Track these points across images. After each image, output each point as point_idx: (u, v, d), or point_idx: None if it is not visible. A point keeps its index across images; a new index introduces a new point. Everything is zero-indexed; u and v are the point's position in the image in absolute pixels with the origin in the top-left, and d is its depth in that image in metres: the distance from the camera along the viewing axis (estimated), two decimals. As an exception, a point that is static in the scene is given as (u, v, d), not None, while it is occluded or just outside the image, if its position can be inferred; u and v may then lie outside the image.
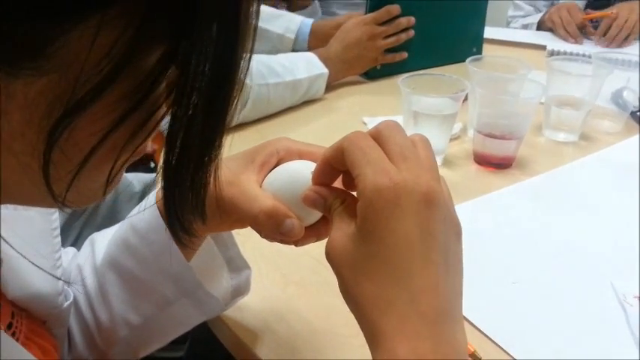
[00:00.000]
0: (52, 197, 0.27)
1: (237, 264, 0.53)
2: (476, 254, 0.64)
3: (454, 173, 0.83)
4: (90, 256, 0.52)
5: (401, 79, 0.81)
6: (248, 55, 0.28)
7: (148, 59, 0.25)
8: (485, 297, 0.58)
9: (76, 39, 0.22)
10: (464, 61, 0.93)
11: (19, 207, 0.41)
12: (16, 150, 0.25)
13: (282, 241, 0.43)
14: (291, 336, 0.54)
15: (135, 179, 1.13)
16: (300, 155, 0.43)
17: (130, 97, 0.25)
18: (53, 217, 0.46)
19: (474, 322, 0.54)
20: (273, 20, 1.19)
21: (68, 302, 0.47)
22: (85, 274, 0.51)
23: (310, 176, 0.40)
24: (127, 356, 0.52)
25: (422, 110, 0.79)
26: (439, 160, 0.84)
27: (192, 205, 0.30)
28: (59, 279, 0.45)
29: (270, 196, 0.41)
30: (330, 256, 0.35)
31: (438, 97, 0.80)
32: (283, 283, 0.61)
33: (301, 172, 0.41)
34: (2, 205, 0.40)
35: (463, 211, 0.72)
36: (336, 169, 0.38)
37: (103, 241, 0.52)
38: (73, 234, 0.93)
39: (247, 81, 0.92)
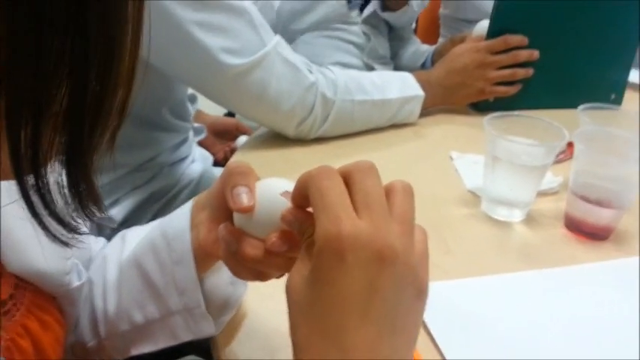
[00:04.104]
0: None
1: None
2: (522, 332, 0.55)
3: (535, 234, 0.72)
4: (118, 249, 0.54)
5: (488, 117, 0.72)
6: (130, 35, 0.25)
7: None
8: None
9: None
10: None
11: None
12: None
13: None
14: None
15: (219, 172, 1.15)
16: None
17: None
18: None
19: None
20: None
21: (79, 282, 0.50)
22: (108, 265, 0.54)
23: (276, 189, 0.39)
24: (119, 351, 0.54)
25: (504, 156, 0.69)
26: (520, 216, 0.74)
27: (72, 198, 0.27)
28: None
29: None
30: (286, 290, 0.35)
31: (526, 145, 0.70)
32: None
33: (275, 184, 0.40)
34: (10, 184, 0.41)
35: (525, 279, 0.63)
36: None
37: (133, 238, 0.54)
38: (147, 217, 0.97)
39: (330, 95, 0.88)
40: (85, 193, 0.27)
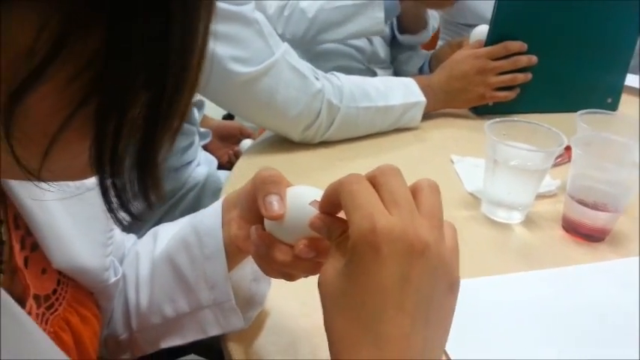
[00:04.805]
0: (27, 174, 0.27)
1: (260, 274, 0.54)
2: (523, 330, 0.57)
3: (533, 235, 0.74)
4: (150, 246, 0.56)
5: (489, 123, 0.75)
6: (198, 42, 0.27)
7: (90, 39, 0.24)
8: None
9: (8, 22, 0.22)
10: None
11: (74, 184, 0.45)
12: None
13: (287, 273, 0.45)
14: None
15: (223, 176, 1.17)
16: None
17: (79, 79, 0.25)
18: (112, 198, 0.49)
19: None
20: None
21: (116, 278, 0.52)
22: (140, 261, 0.56)
23: (306, 198, 0.41)
24: (151, 343, 0.56)
25: (504, 161, 0.72)
26: (519, 218, 0.76)
27: (139, 190, 0.30)
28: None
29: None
30: (319, 285, 0.37)
31: (526, 150, 0.72)
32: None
33: (305, 193, 0.42)
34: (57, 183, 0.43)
35: (524, 280, 0.66)
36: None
37: (164, 234, 0.56)
38: (154, 219, 0.99)
39: (336, 101, 0.90)
40: (152, 187, 0.30)
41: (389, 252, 0.33)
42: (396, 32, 1.38)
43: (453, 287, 0.36)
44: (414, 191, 0.37)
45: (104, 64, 0.24)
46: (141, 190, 0.29)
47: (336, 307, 0.35)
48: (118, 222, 0.31)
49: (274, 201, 0.42)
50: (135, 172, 0.28)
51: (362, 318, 0.34)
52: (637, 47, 1.14)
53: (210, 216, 0.51)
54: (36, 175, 0.27)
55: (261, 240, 0.43)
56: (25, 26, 0.23)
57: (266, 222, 0.43)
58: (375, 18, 1.16)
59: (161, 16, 0.24)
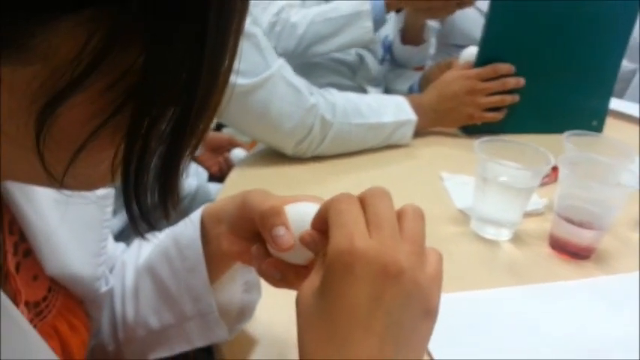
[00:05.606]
0: (51, 180, 0.28)
1: (251, 285, 0.55)
2: (509, 342, 0.58)
3: (521, 253, 0.76)
4: (135, 256, 0.56)
5: (479, 142, 0.76)
6: (227, 61, 0.28)
7: (127, 53, 0.25)
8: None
9: (54, 34, 0.23)
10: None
11: (74, 193, 0.45)
12: (9, 132, 0.26)
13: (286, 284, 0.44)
14: None
15: (214, 188, 1.17)
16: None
17: (113, 90, 0.25)
18: (108, 209, 0.50)
19: None
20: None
21: (107, 288, 0.52)
22: (126, 271, 0.56)
23: (308, 218, 0.41)
24: (138, 355, 0.55)
25: (493, 178, 0.73)
26: (507, 235, 0.77)
27: (159, 200, 0.30)
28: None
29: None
30: (296, 302, 0.37)
31: (514, 169, 0.74)
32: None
33: (306, 212, 0.42)
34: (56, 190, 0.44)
35: (512, 294, 0.67)
36: None
37: (149, 244, 0.56)
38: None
39: (329, 117, 0.92)
40: (170, 196, 0.30)
41: (362, 273, 0.33)
42: (399, 43, 1.41)
43: (429, 314, 0.36)
44: (399, 216, 0.37)
45: (142, 76, 0.25)
46: (161, 199, 0.30)
47: (307, 325, 0.35)
48: (137, 231, 0.31)
49: (282, 234, 0.41)
50: (157, 182, 0.29)
51: (331, 338, 0.34)
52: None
53: (190, 228, 0.50)
54: (60, 181, 0.27)
55: (273, 268, 0.43)
56: (69, 39, 0.23)
57: (272, 249, 0.43)
58: (364, 28, 1.18)
59: (198, 30, 0.25)
